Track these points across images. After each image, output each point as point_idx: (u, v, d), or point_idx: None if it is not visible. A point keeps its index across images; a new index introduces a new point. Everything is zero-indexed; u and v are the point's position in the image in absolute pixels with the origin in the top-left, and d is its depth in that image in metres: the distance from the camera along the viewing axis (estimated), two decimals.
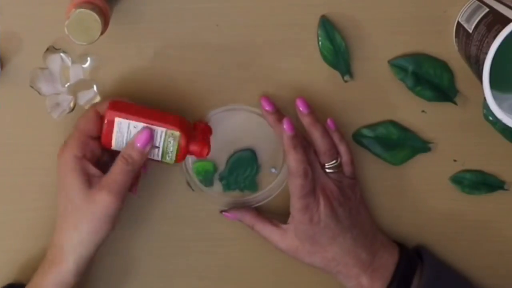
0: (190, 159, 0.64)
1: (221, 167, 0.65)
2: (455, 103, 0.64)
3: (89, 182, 0.57)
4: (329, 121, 0.63)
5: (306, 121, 0.62)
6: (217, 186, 0.65)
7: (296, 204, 0.60)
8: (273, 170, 0.65)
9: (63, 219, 0.58)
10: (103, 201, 0.56)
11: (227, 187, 0.65)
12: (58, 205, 0.59)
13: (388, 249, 0.63)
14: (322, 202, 0.60)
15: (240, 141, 0.65)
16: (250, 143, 0.65)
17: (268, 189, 0.66)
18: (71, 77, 0.63)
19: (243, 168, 0.65)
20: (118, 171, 0.57)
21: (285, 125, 0.60)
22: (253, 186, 0.66)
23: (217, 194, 0.65)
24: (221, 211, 0.65)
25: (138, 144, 0.57)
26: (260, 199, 0.66)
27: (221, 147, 0.64)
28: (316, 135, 0.62)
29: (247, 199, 0.66)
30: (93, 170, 0.58)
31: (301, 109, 0.62)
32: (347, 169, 0.63)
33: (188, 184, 0.65)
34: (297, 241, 0.61)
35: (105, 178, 0.57)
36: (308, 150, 0.62)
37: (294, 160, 0.60)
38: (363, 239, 0.62)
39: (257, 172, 0.65)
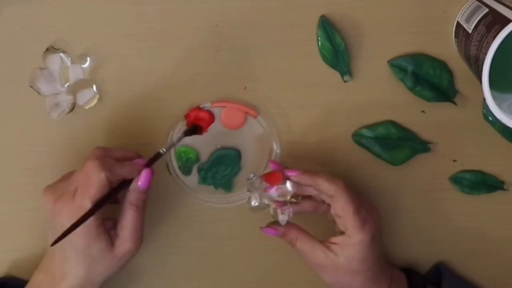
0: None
1: (203, 159, 0.65)
2: (454, 103, 0.64)
3: (111, 240, 0.57)
4: (293, 172, 0.59)
5: (304, 179, 0.58)
6: (194, 177, 0.65)
7: (352, 222, 0.56)
8: (252, 176, 0.62)
9: (79, 264, 0.57)
10: (129, 253, 0.58)
11: (203, 180, 0.65)
12: (75, 259, 0.57)
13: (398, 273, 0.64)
14: (370, 217, 0.58)
15: (229, 138, 0.64)
16: (237, 143, 0.65)
17: (242, 192, 0.65)
18: (71, 77, 0.63)
19: (224, 166, 0.65)
20: (131, 220, 0.57)
21: (290, 173, 0.58)
22: (228, 186, 0.65)
23: (191, 185, 0.65)
24: (261, 228, 0.60)
25: (143, 187, 0.57)
26: (231, 200, 0.65)
27: (209, 139, 0.64)
28: (322, 181, 0.58)
29: (219, 197, 0.65)
30: (109, 224, 0.58)
31: (292, 174, 0.58)
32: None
33: (167, 166, 0.65)
34: (343, 259, 0.57)
35: (123, 231, 0.57)
36: None
37: (325, 180, 0.57)
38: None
39: (236, 174, 0.65)
